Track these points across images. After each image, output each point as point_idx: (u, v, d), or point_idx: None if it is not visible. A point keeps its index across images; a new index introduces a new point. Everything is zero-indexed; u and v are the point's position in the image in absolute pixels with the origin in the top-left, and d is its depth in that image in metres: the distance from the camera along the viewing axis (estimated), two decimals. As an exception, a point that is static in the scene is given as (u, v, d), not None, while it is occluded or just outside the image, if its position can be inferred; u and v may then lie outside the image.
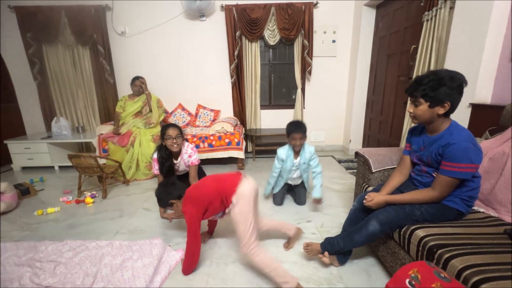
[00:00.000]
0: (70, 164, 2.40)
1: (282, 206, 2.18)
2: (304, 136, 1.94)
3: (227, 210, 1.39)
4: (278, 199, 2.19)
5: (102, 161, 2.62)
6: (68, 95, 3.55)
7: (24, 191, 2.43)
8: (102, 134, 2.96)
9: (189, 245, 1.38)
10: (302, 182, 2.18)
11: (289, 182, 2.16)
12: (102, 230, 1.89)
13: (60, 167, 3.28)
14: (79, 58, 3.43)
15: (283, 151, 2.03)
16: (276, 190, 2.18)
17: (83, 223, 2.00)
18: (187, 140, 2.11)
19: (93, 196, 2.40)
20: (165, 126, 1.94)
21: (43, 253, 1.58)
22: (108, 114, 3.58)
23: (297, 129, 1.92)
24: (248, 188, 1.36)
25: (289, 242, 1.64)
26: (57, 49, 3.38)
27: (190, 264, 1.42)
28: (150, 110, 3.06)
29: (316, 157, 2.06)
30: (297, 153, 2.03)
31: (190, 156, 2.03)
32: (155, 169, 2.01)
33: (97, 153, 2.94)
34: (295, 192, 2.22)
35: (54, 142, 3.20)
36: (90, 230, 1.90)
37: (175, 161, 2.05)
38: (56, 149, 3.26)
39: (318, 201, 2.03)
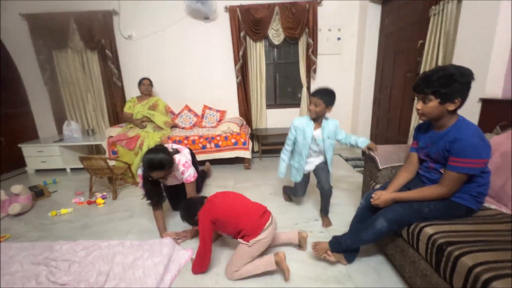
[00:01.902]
0: (81, 166, 2.47)
1: (290, 205, 2.19)
2: (322, 103, 1.60)
3: (239, 239, 1.40)
4: (300, 190, 1.92)
5: (112, 163, 2.69)
6: (78, 99, 3.64)
7: (38, 193, 2.51)
8: (111, 136, 3.03)
9: (199, 249, 1.41)
10: (324, 164, 1.82)
11: (308, 166, 1.82)
12: (113, 230, 1.94)
13: (71, 169, 3.37)
14: (88, 62, 3.52)
15: (300, 120, 1.74)
16: (298, 178, 1.84)
17: (95, 223, 2.06)
18: (178, 151, 1.84)
19: (104, 197, 2.46)
20: (148, 167, 1.57)
21: (58, 253, 1.63)
22: (117, 116, 3.66)
23: (315, 93, 1.63)
24: (269, 237, 1.40)
25: (301, 246, 1.60)
26: (67, 54, 3.47)
27: (200, 266, 1.44)
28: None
29: (342, 131, 1.77)
30: (317, 124, 1.71)
31: (183, 173, 1.77)
32: (141, 184, 1.75)
33: (107, 155, 3.01)
34: (316, 174, 1.85)
35: (65, 145, 3.29)
36: (102, 230, 1.95)
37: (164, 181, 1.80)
38: (67, 152, 3.35)
39: (372, 145, 1.67)
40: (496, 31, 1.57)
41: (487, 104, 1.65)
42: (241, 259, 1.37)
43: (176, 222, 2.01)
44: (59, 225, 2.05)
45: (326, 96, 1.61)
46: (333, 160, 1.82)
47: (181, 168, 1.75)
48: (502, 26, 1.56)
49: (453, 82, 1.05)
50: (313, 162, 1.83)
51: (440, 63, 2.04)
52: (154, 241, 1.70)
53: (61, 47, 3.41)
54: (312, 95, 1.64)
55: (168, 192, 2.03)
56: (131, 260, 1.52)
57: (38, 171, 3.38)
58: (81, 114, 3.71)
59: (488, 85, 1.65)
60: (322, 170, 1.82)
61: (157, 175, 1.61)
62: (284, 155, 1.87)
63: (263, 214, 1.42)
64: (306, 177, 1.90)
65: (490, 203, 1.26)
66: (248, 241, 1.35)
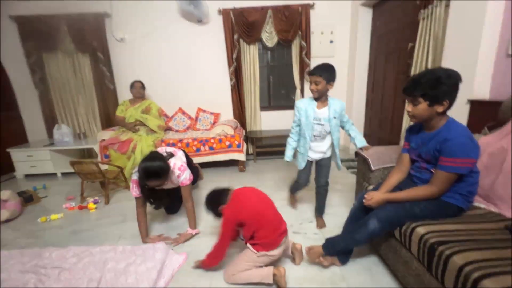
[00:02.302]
0: (73, 170, 2.42)
1: (284, 206, 2.18)
2: (322, 80, 1.52)
3: (248, 245, 1.38)
4: (302, 177, 1.83)
5: (104, 167, 2.65)
6: (69, 102, 3.58)
7: (27, 199, 2.45)
8: (103, 140, 2.99)
9: (216, 245, 1.37)
10: (327, 160, 1.77)
11: (313, 154, 1.74)
12: (105, 236, 1.90)
13: (62, 173, 3.31)
14: (79, 65, 3.47)
15: (303, 101, 1.68)
16: (302, 164, 1.76)
17: (87, 228, 2.02)
18: (173, 155, 1.82)
19: (95, 202, 2.42)
20: (144, 176, 1.56)
21: (48, 260, 1.59)
22: (109, 120, 3.60)
23: (313, 70, 1.55)
24: (278, 255, 1.39)
25: (295, 259, 1.51)
26: (57, 57, 3.41)
27: (210, 262, 1.42)
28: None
29: (347, 116, 1.72)
30: (320, 103, 1.63)
31: (178, 177, 1.74)
32: (134, 191, 1.69)
33: (99, 159, 2.96)
34: (317, 168, 1.82)
35: (56, 149, 3.23)
36: (94, 235, 1.92)
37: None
38: (58, 156, 3.28)
39: (367, 147, 1.71)
40: (482, 35, 1.61)
41: (475, 105, 1.69)
42: (244, 264, 1.35)
43: (170, 227, 1.99)
44: (49, 231, 2.01)
45: (325, 72, 1.53)
46: (339, 142, 1.76)
47: (177, 172, 1.73)
48: (488, 30, 1.60)
49: (441, 84, 1.07)
50: (318, 148, 1.73)
51: (429, 65, 2.08)
52: (147, 245, 1.68)
53: (51, 50, 3.36)
54: (311, 73, 1.56)
55: (162, 196, 1.97)
56: (123, 266, 1.49)
57: (27, 176, 3.30)
58: (72, 117, 3.65)
59: (476, 86, 1.69)
60: (323, 166, 1.78)
61: (154, 184, 1.60)
62: (291, 138, 1.79)
63: (283, 232, 1.40)
64: (310, 165, 1.81)
65: (479, 202, 1.28)
66: (258, 251, 1.33)
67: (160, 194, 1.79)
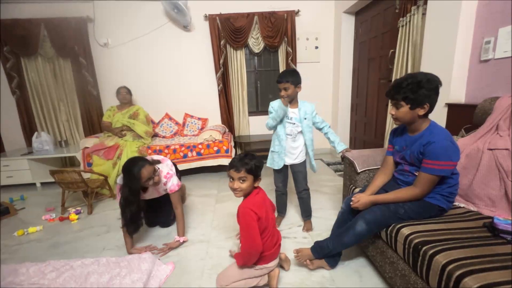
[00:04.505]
0: (53, 180, 2.32)
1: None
2: (290, 85, 1.60)
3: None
4: (279, 181, 1.86)
5: (86, 175, 2.55)
6: (49, 109, 3.45)
7: (3, 211, 2.31)
8: (86, 147, 2.88)
9: (246, 247, 1.23)
10: (301, 165, 1.82)
11: (287, 159, 1.79)
12: (88, 248, 1.82)
13: (42, 183, 3.15)
14: (60, 70, 3.36)
15: (277, 101, 1.73)
16: (280, 163, 1.77)
17: (68, 241, 1.92)
18: (159, 162, 1.79)
19: (77, 212, 2.31)
20: (131, 166, 1.53)
21: (24, 276, 1.49)
22: (92, 126, 3.49)
23: (279, 79, 1.63)
24: (276, 264, 1.36)
25: (283, 266, 1.50)
26: (37, 62, 3.29)
27: (246, 261, 1.29)
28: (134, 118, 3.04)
29: (319, 117, 1.80)
30: (292, 105, 1.72)
31: (165, 184, 1.71)
32: (118, 196, 1.65)
33: (82, 167, 2.85)
34: (293, 176, 1.86)
35: (35, 158, 3.08)
36: (76, 248, 1.83)
37: (143, 194, 1.74)
38: (37, 165, 3.13)
39: (348, 150, 1.76)
40: (457, 42, 1.70)
41: (453, 109, 1.77)
42: (241, 275, 1.30)
43: (157, 236, 1.94)
44: (26, 246, 1.90)
45: (291, 77, 1.62)
46: (313, 145, 1.80)
47: (163, 180, 1.70)
48: (462, 37, 1.69)
49: (420, 88, 1.12)
50: (290, 150, 1.77)
51: (409, 70, 2.17)
52: (133, 256, 1.62)
53: (30, 55, 3.23)
54: (278, 82, 1.64)
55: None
56: (107, 279, 1.43)
57: (4, 187, 3.12)
58: (53, 124, 3.51)
59: (452, 90, 1.77)
60: (298, 172, 1.83)
61: (146, 172, 1.52)
62: (269, 118, 1.76)
63: (279, 244, 1.38)
64: (285, 169, 1.85)
65: (459, 202, 1.33)
66: (258, 264, 1.29)
67: (140, 218, 1.68)
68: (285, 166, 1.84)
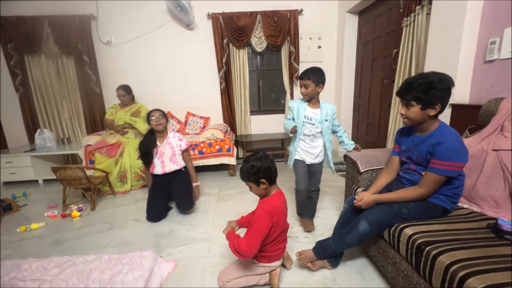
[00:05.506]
0: (55, 177, 2.33)
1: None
2: (311, 83, 1.59)
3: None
4: (302, 181, 1.76)
5: (89, 172, 2.56)
6: (52, 106, 3.46)
7: (5, 207, 2.33)
8: (89, 145, 2.89)
9: (242, 245, 1.18)
10: (319, 165, 1.80)
11: (306, 156, 1.76)
12: (90, 245, 1.83)
13: (44, 180, 3.17)
14: (63, 68, 3.37)
15: (296, 101, 1.74)
16: (289, 161, 1.77)
17: (70, 238, 1.93)
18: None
19: (80, 209, 2.32)
20: (150, 110, 2.15)
21: (27, 272, 1.50)
22: (95, 124, 3.50)
23: (302, 75, 1.62)
24: (279, 264, 1.36)
25: (285, 265, 1.49)
26: (40, 59, 3.30)
27: (232, 250, 1.25)
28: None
29: (336, 119, 1.78)
30: (311, 104, 1.70)
31: (180, 140, 2.23)
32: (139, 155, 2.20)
33: (84, 165, 2.86)
34: (309, 174, 1.82)
35: (38, 155, 3.09)
36: (78, 245, 1.84)
37: (159, 144, 2.19)
38: (40, 162, 3.15)
39: (357, 147, 1.78)
40: (461, 42, 1.69)
41: (456, 109, 1.76)
42: (242, 273, 1.30)
43: (158, 234, 1.94)
44: (28, 242, 1.90)
45: (313, 75, 1.59)
46: (331, 147, 1.79)
47: (178, 135, 2.25)
48: (467, 37, 1.68)
49: (432, 88, 1.11)
50: (310, 150, 1.74)
51: (413, 71, 2.16)
52: (134, 253, 1.62)
53: (33, 52, 3.24)
54: (300, 77, 1.63)
55: (165, 190, 2.25)
56: (109, 276, 1.43)
57: (6, 183, 3.14)
58: (56, 122, 3.52)
59: (456, 91, 1.76)
60: (315, 172, 1.81)
61: (156, 113, 2.11)
62: (286, 119, 1.77)
63: (285, 247, 1.37)
64: (306, 168, 1.79)
65: (462, 203, 1.33)
66: (261, 262, 1.30)
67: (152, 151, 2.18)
68: (305, 165, 1.79)
